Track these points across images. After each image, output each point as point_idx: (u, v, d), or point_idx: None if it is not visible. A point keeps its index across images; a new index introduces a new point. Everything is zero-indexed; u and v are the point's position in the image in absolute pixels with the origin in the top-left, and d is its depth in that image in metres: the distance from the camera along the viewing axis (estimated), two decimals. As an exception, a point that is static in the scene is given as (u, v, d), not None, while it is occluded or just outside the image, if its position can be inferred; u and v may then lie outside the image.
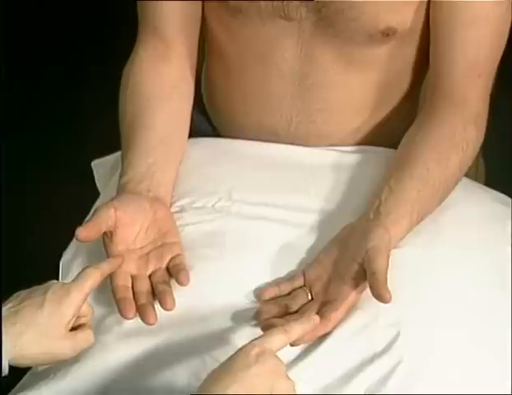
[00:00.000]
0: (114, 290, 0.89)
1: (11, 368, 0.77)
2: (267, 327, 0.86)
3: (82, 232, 0.88)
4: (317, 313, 0.87)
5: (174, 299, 0.88)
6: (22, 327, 0.78)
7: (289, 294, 0.91)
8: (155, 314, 0.87)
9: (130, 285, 0.90)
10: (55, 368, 0.86)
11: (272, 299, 0.90)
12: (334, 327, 0.87)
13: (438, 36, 1.02)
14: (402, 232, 0.93)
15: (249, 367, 0.73)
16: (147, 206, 0.94)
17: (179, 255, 0.93)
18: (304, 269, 0.92)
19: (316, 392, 0.84)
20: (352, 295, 0.87)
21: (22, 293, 0.82)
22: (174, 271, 0.91)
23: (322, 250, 0.93)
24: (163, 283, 0.90)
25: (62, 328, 0.81)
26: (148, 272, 0.92)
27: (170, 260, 0.93)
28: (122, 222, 0.91)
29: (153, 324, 0.87)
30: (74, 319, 0.82)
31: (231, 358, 0.74)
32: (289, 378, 0.76)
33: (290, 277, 0.92)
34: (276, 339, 0.77)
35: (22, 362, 0.79)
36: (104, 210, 0.91)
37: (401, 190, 0.95)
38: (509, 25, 1.02)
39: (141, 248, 0.93)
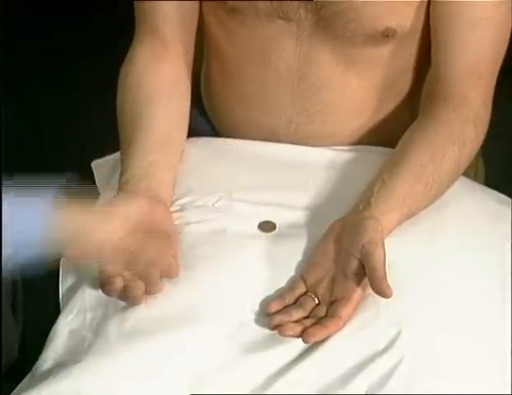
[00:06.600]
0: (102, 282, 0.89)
1: (12, 369, 0.77)
2: (280, 331, 0.86)
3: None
4: (326, 314, 0.87)
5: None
6: None
7: (294, 302, 0.90)
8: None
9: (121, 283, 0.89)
10: (56, 369, 0.86)
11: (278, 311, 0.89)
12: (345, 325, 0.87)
13: (438, 38, 1.02)
14: (391, 224, 0.93)
15: None
16: (145, 208, 0.94)
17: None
18: (302, 274, 0.92)
19: (317, 391, 0.84)
20: (358, 291, 0.87)
21: None
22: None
23: (315, 251, 0.93)
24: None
25: None
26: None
27: None
28: None
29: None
30: None
31: None
32: None
33: (290, 286, 0.91)
34: None
35: None
36: None
37: (393, 183, 0.95)
38: (510, 27, 1.02)
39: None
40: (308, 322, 0.87)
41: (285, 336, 0.85)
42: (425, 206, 0.98)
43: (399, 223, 0.94)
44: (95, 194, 1.15)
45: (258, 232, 0.98)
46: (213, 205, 1.00)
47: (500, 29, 1.02)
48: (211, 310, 0.90)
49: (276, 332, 0.86)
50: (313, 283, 0.90)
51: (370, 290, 0.86)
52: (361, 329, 0.87)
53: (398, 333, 0.86)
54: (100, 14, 2.29)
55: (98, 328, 0.88)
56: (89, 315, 0.90)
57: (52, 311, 0.95)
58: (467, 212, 1.01)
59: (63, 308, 0.93)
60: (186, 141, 1.09)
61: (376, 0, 0.98)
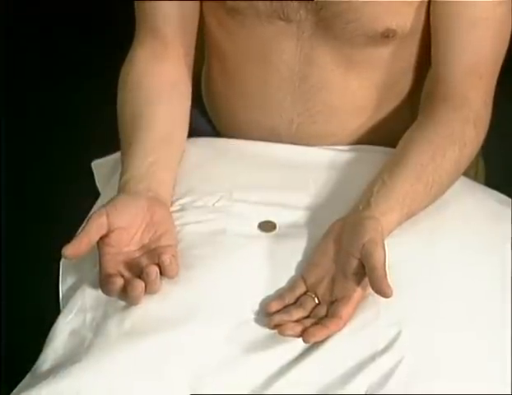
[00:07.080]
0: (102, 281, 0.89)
1: (10, 369, 0.76)
2: (280, 330, 0.86)
3: (68, 250, 0.88)
4: (327, 314, 0.87)
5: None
6: None
7: (294, 302, 0.90)
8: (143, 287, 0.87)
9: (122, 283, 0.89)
10: (56, 368, 0.86)
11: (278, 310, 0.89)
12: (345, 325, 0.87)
13: (438, 38, 1.03)
14: (391, 224, 0.93)
15: None
16: (145, 208, 0.94)
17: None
18: (302, 274, 0.92)
19: (317, 391, 0.83)
20: (358, 291, 0.87)
21: None
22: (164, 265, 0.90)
23: (315, 251, 0.93)
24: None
25: None
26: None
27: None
28: (116, 227, 0.91)
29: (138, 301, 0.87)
30: None
31: None
32: None
33: (290, 286, 0.91)
34: None
35: None
36: (95, 219, 0.90)
37: (393, 183, 0.95)
38: (510, 27, 1.02)
39: (134, 250, 0.93)
40: (308, 322, 0.87)
41: (285, 335, 0.85)
42: (426, 206, 0.98)
43: (399, 223, 0.94)
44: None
45: (258, 232, 0.98)
46: (213, 205, 1.00)
47: (500, 29, 1.02)
48: (211, 310, 0.90)
49: (276, 331, 0.86)
50: (313, 283, 0.90)
51: (370, 290, 0.86)
52: (361, 329, 0.87)
53: (398, 333, 0.86)
54: (100, 15, 2.29)
55: (98, 328, 0.88)
56: (89, 315, 0.90)
57: (52, 311, 0.95)
58: (467, 212, 1.02)
59: (63, 308, 0.93)
60: (186, 141, 1.09)
61: (376, 0, 0.98)
